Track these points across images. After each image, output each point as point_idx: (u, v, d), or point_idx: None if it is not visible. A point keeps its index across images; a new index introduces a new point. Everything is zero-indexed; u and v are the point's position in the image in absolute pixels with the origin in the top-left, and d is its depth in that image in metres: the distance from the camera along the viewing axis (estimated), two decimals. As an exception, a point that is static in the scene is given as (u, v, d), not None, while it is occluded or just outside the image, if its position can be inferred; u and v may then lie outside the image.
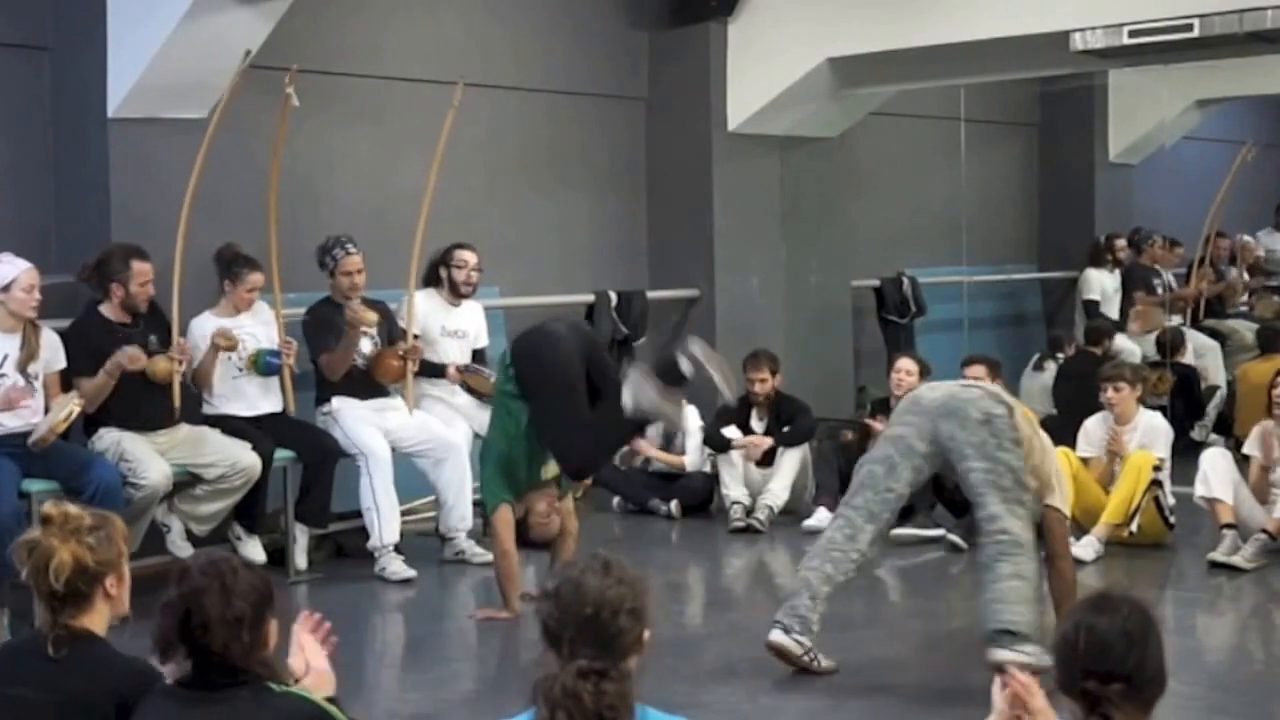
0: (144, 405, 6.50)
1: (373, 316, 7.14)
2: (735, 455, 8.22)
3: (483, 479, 6.14)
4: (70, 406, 6.12)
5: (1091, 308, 11.05)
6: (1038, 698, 2.78)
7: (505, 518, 5.86)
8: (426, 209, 7.34)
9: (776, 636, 5.25)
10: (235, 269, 6.93)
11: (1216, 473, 7.08)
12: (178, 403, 6.57)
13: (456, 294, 7.69)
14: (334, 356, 7.11)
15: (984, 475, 5.18)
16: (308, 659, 3.07)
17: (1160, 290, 11.14)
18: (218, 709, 2.77)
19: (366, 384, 7.24)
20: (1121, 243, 11.34)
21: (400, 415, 7.28)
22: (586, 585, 2.64)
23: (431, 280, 7.65)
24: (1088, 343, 10.03)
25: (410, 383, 7.31)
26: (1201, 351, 10.81)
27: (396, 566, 6.94)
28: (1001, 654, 4.90)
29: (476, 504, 7.57)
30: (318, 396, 7.23)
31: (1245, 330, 11.19)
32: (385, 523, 6.94)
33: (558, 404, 5.76)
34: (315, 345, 7.14)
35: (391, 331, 7.38)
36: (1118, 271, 11.28)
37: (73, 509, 3.08)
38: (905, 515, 7.72)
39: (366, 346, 7.23)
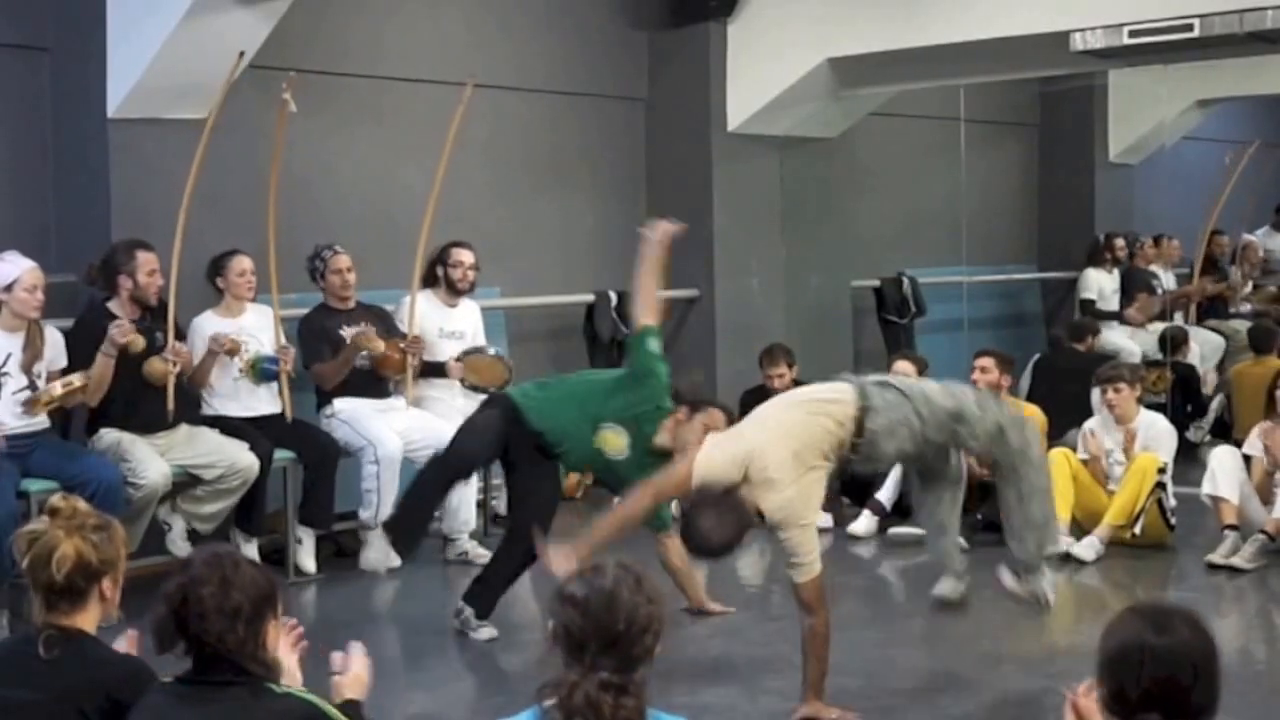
0: (143, 406, 6.51)
1: (379, 345, 7.14)
2: None
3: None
4: (73, 378, 6.14)
5: (1086, 306, 11.06)
6: (1097, 717, 2.70)
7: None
8: (431, 210, 7.33)
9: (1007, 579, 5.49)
10: (221, 262, 6.95)
11: (1224, 471, 7.07)
12: (172, 404, 6.56)
13: (454, 293, 7.68)
14: (327, 368, 7.12)
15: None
16: (349, 663, 3.19)
17: (1160, 291, 11.14)
18: (216, 707, 2.77)
19: (369, 384, 7.24)
20: (1120, 243, 11.34)
21: (402, 416, 7.27)
22: (620, 600, 2.58)
23: (428, 280, 7.63)
24: (1072, 339, 9.99)
25: (410, 375, 7.30)
26: (1208, 353, 10.80)
27: (379, 554, 6.70)
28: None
29: (479, 505, 7.59)
30: (319, 400, 7.23)
31: (1246, 331, 11.18)
32: (384, 504, 6.91)
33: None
34: (309, 354, 7.14)
35: (390, 334, 7.36)
36: (1116, 271, 11.28)
37: (81, 504, 3.08)
38: (905, 515, 7.74)
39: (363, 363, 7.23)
